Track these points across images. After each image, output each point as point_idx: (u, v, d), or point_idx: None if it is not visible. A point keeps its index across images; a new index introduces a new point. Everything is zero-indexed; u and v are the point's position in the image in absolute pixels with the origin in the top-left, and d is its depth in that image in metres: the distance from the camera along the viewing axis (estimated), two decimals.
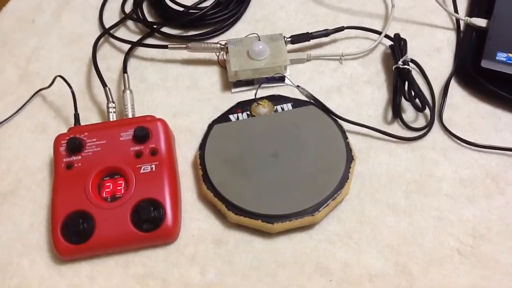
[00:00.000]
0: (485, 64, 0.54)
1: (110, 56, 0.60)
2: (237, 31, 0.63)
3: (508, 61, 0.54)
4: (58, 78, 0.54)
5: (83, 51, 0.61)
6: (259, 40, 0.56)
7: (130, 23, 0.64)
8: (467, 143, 0.51)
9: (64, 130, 0.51)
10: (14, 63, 0.60)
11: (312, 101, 0.53)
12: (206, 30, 0.62)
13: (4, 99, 0.57)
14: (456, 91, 0.56)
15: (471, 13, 0.62)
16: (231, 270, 0.45)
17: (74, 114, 0.52)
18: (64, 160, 0.47)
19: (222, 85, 0.57)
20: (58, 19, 0.65)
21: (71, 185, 0.46)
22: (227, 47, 0.56)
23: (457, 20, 0.61)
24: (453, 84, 0.56)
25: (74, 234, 0.44)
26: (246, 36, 0.57)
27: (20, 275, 0.45)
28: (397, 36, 0.57)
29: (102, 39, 0.61)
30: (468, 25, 0.60)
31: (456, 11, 0.62)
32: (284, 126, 0.50)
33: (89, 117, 0.55)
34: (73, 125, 0.52)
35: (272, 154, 0.48)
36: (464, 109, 0.54)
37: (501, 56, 0.54)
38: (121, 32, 0.63)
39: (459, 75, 0.56)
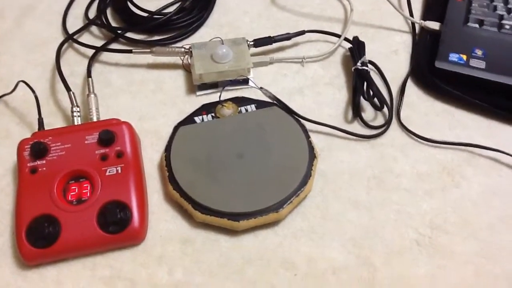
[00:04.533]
0: (439, 64, 0.57)
1: (74, 62, 0.60)
2: (201, 35, 0.64)
3: (459, 61, 0.56)
4: (21, 84, 0.54)
5: (46, 56, 0.61)
6: (223, 43, 0.57)
7: (94, 28, 0.65)
8: (424, 140, 0.53)
9: (28, 136, 0.50)
10: None
11: (275, 102, 0.54)
12: (170, 35, 0.63)
13: None
14: (413, 91, 0.58)
15: (425, 16, 0.65)
16: (198, 269, 0.45)
17: (38, 119, 0.52)
18: (28, 164, 0.47)
19: (187, 89, 0.58)
20: (20, 26, 0.64)
21: (36, 190, 0.46)
22: (191, 51, 0.57)
23: (413, 24, 0.64)
24: (410, 84, 0.59)
25: (39, 238, 0.44)
26: (210, 40, 0.58)
27: None
28: (355, 38, 0.60)
29: (65, 45, 0.61)
30: (423, 28, 0.63)
31: (411, 15, 0.65)
32: (248, 127, 0.51)
33: (53, 122, 0.55)
34: (37, 130, 0.51)
35: (237, 154, 0.49)
36: (420, 108, 0.57)
37: (454, 57, 0.57)
38: (85, 38, 0.63)
39: (415, 75, 0.59)
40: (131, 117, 0.55)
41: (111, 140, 0.48)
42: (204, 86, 0.57)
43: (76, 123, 0.51)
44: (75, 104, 0.52)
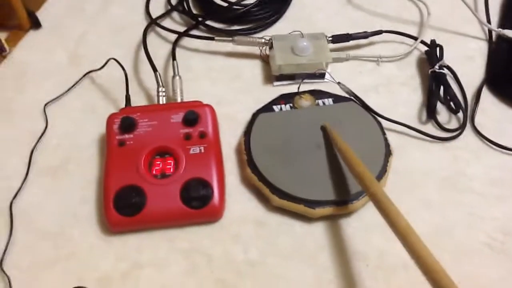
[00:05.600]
0: None
1: (155, 45, 0.63)
2: (278, 28, 0.66)
3: None
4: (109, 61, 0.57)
5: (130, 39, 0.64)
6: (303, 37, 0.58)
7: (175, 14, 0.67)
8: (497, 146, 0.54)
9: (113, 111, 0.53)
10: (64, 46, 0.63)
11: (352, 97, 0.55)
12: (248, 26, 0.65)
13: (54, 78, 0.59)
14: (487, 97, 0.58)
15: (503, 24, 0.65)
16: (272, 250, 0.47)
17: (126, 95, 0.54)
18: (117, 137, 0.50)
19: (264, 78, 0.60)
20: (106, 9, 0.68)
21: (123, 161, 0.48)
22: (271, 42, 0.59)
23: (490, 31, 0.64)
24: (485, 90, 0.59)
25: (126, 207, 0.46)
26: (290, 33, 0.60)
27: (71, 244, 0.47)
28: (433, 42, 0.60)
29: (148, 29, 0.64)
30: (500, 36, 0.63)
31: (489, 21, 0.65)
32: (325, 119, 0.53)
33: (136, 100, 0.57)
34: (121, 107, 0.54)
35: (315, 144, 0.50)
36: (495, 114, 0.57)
37: None
38: (166, 23, 0.66)
39: (490, 82, 0.59)
40: (210, 101, 0.57)
41: (195, 121, 0.51)
42: (281, 77, 0.58)
43: (161, 103, 0.54)
44: (161, 85, 0.54)
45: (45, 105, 0.56)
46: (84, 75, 0.59)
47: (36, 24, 0.65)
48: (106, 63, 0.57)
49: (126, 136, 0.50)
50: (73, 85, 0.58)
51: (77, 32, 0.65)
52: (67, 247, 0.47)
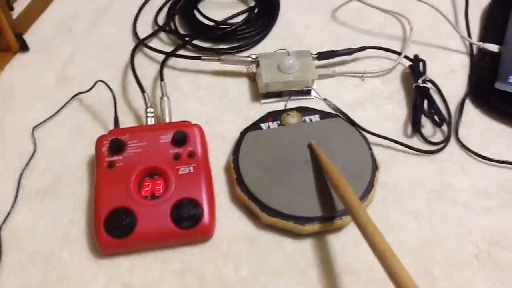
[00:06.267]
0: (499, 86, 0.58)
1: (143, 66, 0.64)
2: (265, 46, 0.66)
3: None
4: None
5: (118, 59, 0.64)
6: (289, 55, 0.59)
7: (162, 34, 0.68)
8: (482, 158, 0.55)
9: (101, 133, 0.53)
10: (52, 68, 0.63)
11: (338, 113, 0.56)
12: (235, 45, 0.66)
13: (42, 100, 0.60)
14: (471, 110, 0.60)
15: (483, 38, 0.66)
16: (263, 268, 0.47)
17: (114, 117, 0.55)
18: (106, 159, 0.50)
19: (251, 96, 0.61)
20: (94, 29, 0.68)
21: (113, 183, 0.48)
22: (258, 61, 0.59)
23: (471, 45, 0.66)
24: (468, 103, 0.60)
25: (116, 229, 0.46)
26: (275, 51, 0.61)
27: (61, 267, 0.47)
28: (416, 56, 0.62)
29: (136, 50, 0.64)
30: (481, 50, 0.64)
31: (469, 36, 0.67)
32: (313, 135, 0.53)
33: (124, 121, 0.58)
34: (110, 128, 0.54)
35: (303, 161, 0.51)
36: (478, 127, 0.58)
37: None
38: (154, 43, 0.67)
39: (473, 95, 0.60)
40: (198, 120, 0.57)
41: (184, 141, 0.51)
42: (268, 95, 0.59)
43: (149, 123, 0.54)
44: (149, 105, 0.55)
45: (34, 127, 0.56)
46: (73, 97, 0.59)
47: (23, 46, 0.65)
48: (94, 85, 0.57)
49: (115, 157, 0.50)
50: (62, 107, 0.59)
51: (65, 53, 0.65)
52: (58, 270, 0.47)
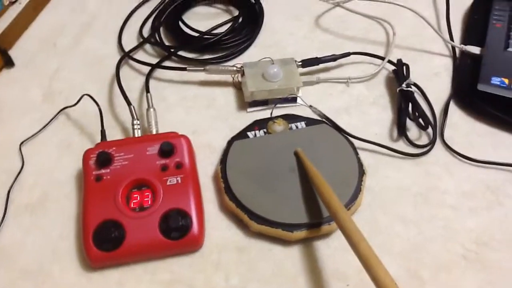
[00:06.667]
0: (481, 87, 0.59)
1: (129, 78, 0.64)
2: (249, 55, 0.67)
3: (502, 85, 0.59)
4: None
5: (103, 72, 0.65)
6: (273, 63, 0.60)
7: (147, 46, 0.68)
8: (467, 159, 0.55)
9: (89, 146, 0.53)
10: (38, 83, 0.64)
11: (324, 119, 0.56)
12: (220, 54, 0.66)
13: (29, 116, 0.60)
14: (455, 112, 0.60)
15: (465, 41, 0.67)
16: (253, 276, 0.47)
17: (101, 130, 0.55)
18: (93, 173, 0.50)
19: (238, 105, 0.61)
20: (79, 43, 0.68)
21: (101, 196, 0.49)
22: (243, 70, 0.60)
23: (453, 48, 0.67)
24: (452, 105, 0.61)
25: (105, 242, 0.46)
26: (260, 60, 0.61)
27: (51, 282, 0.47)
28: (400, 61, 0.62)
29: (121, 62, 0.65)
30: (463, 52, 0.65)
31: (451, 39, 0.67)
32: (299, 143, 0.54)
33: (112, 134, 0.58)
34: (97, 142, 0.54)
35: (290, 168, 0.51)
36: (463, 128, 0.59)
37: (496, 80, 0.59)
38: (139, 55, 0.67)
39: (457, 97, 0.61)
40: (185, 131, 0.57)
41: (171, 152, 0.51)
42: (254, 103, 0.60)
43: (136, 135, 0.54)
44: (135, 117, 0.55)
45: (21, 143, 0.56)
46: (59, 112, 0.60)
47: (9, 62, 0.65)
48: (80, 99, 0.58)
49: (103, 171, 0.50)
50: (48, 122, 0.59)
51: (50, 68, 0.65)
52: (48, 285, 0.47)
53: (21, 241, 0.49)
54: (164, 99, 0.62)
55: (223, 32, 0.66)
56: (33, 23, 0.71)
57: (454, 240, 0.49)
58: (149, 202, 0.49)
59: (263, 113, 0.59)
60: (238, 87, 0.62)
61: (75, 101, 0.58)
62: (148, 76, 0.62)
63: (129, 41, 0.69)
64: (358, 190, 0.50)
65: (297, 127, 0.56)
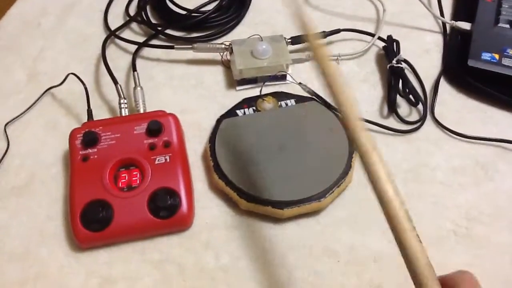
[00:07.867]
0: (471, 63, 0.58)
1: (115, 57, 0.63)
2: (238, 33, 0.66)
3: (492, 60, 0.58)
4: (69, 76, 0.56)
5: (89, 52, 0.63)
6: (262, 40, 0.59)
7: (134, 25, 0.67)
8: (457, 135, 0.55)
9: (75, 126, 0.52)
10: (22, 63, 0.62)
11: (314, 97, 0.56)
12: (208, 33, 0.65)
13: (13, 97, 0.58)
14: (445, 88, 0.60)
15: (455, 17, 0.67)
16: (243, 254, 0.47)
17: (87, 110, 0.54)
18: (80, 152, 0.49)
19: (226, 84, 0.60)
20: (63, 22, 0.67)
21: (88, 176, 0.48)
22: (231, 47, 0.59)
23: (443, 24, 0.66)
24: (442, 82, 0.60)
25: (93, 222, 0.46)
26: (249, 37, 0.60)
27: (40, 263, 0.46)
28: (390, 37, 0.62)
29: (107, 41, 0.63)
30: (453, 28, 0.65)
31: (442, 15, 0.67)
32: (289, 120, 0.53)
33: (98, 114, 0.57)
34: (84, 121, 0.54)
35: (279, 146, 0.51)
36: (453, 105, 0.58)
37: (486, 55, 0.59)
38: (125, 34, 0.66)
39: (447, 74, 0.61)
40: (173, 110, 0.56)
41: (159, 131, 0.50)
42: (243, 81, 0.59)
43: (123, 114, 0.53)
44: (122, 96, 0.54)
45: (6, 124, 0.55)
46: (45, 92, 0.58)
47: None
48: (65, 78, 0.56)
49: (90, 150, 0.49)
50: (34, 102, 0.58)
51: (34, 49, 0.64)
52: (36, 267, 0.46)
53: (7, 224, 0.49)
54: (151, 78, 0.60)
55: (210, 10, 0.64)
56: (15, 3, 0.70)
57: (445, 216, 0.49)
58: (137, 182, 0.48)
59: (253, 91, 0.59)
60: (226, 65, 0.62)
61: (60, 82, 0.57)
62: (135, 55, 0.60)
63: (115, 20, 0.67)
64: (348, 167, 0.50)
65: (286, 104, 0.55)
